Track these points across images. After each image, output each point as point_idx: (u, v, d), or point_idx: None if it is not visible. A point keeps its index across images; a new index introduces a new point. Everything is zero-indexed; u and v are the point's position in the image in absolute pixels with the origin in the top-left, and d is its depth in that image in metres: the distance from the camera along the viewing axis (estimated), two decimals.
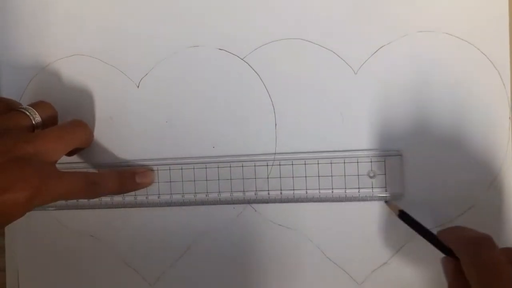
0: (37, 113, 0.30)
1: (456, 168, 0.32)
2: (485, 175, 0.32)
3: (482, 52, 0.32)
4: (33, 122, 0.30)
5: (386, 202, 0.32)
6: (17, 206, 0.25)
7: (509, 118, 0.32)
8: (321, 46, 0.33)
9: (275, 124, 0.33)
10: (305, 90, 0.33)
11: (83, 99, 0.35)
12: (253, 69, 0.33)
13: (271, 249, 0.34)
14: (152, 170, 0.34)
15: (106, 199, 0.34)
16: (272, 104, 0.33)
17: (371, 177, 0.32)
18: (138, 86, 0.34)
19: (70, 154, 0.34)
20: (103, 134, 0.35)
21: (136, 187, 0.33)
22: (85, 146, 0.34)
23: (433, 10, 0.32)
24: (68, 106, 0.35)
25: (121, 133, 0.35)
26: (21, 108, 0.30)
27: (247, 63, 0.33)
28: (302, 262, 0.33)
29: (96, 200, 0.34)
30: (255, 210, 0.34)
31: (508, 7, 0.31)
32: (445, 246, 0.28)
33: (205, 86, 0.34)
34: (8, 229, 0.36)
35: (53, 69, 0.35)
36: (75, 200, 0.35)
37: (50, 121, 0.32)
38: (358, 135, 0.33)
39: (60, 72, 0.35)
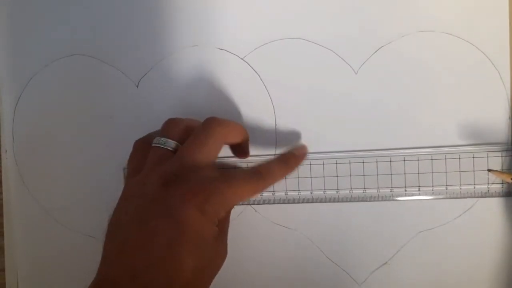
0: (168, 139, 0.29)
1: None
2: (484, 176, 0.32)
3: (482, 52, 0.32)
4: (171, 150, 0.28)
5: (490, 170, 0.31)
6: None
7: (509, 118, 0.32)
8: (321, 46, 0.33)
9: (275, 124, 0.33)
10: (305, 90, 0.33)
11: (82, 99, 0.35)
12: (253, 69, 0.33)
13: (271, 249, 0.34)
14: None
15: None
16: (272, 104, 0.33)
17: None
18: (137, 86, 0.34)
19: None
20: (102, 134, 0.35)
21: (298, 160, 0.31)
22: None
23: (433, 10, 0.32)
24: (68, 106, 0.35)
25: (120, 133, 0.35)
26: (155, 144, 0.29)
27: (247, 63, 0.33)
28: (302, 262, 0.34)
29: None
30: (255, 210, 0.34)
31: (508, 7, 0.31)
32: None
33: (205, 86, 0.34)
34: (8, 229, 0.36)
35: (53, 69, 0.35)
36: (75, 201, 0.35)
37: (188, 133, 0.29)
38: (359, 135, 0.33)
39: (60, 72, 0.35)
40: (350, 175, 0.33)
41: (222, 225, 0.28)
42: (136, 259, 0.24)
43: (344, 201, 0.33)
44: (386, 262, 0.33)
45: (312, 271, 0.34)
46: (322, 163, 0.33)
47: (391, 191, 0.32)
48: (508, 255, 0.32)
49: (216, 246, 0.27)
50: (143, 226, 0.25)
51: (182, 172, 0.27)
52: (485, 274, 0.32)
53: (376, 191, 0.32)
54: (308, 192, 0.33)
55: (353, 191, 0.33)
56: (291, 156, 0.31)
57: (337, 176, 0.33)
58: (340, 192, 0.33)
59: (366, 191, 0.33)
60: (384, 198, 0.32)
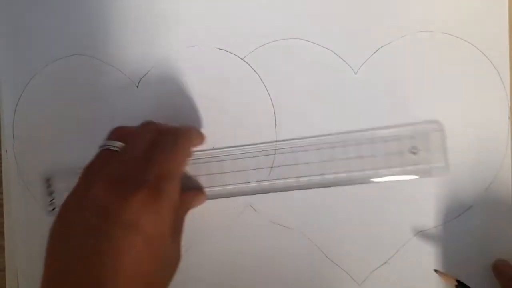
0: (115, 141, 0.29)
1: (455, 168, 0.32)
2: (484, 176, 0.32)
3: (482, 52, 0.32)
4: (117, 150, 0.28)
5: (436, 271, 0.31)
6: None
7: (509, 118, 0.32)
8: (321, 46, 0.33)
9: (275, 125, 0.33)
10: (305, 90, 0.33)
11: (82, 99, 0.35)
12: (253, 69, 0.33)
13: (271, 249, 0.34)
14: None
15: None
16: (272, 104, 0.33)
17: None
18: (137, 86, 0.34)
19: None
20: (102, 134, 0.35)
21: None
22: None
23: (433, 10, 0.32)
24: (68, 106, 0.35)
25: None
26: (105, 145, 0.29)
27: (247, 63, 0.33)
28: (302, 262, 0.34)
29: None
30: (255, 211, 0.34)
31: (508, 7, 0.32)
32: None
33: (205, 86, 0.34)
34: (8, 229, 0.36)
35: (53, 69, 0.35)
36: None
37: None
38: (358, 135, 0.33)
39: (60, 72, 0.35)
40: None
41: (178, 226, 0.29)
42: (102, 269, 0.24)
43: (344, 202, 0.33)
44: (386, 262, 0.33)
45: (312, 271, 0.34)
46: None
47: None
48: (508, 254, 0.32)
49: (173, 248, 0.27)
50: (103, 237, 0.24)
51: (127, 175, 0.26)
52: (486, 273, 0.32)
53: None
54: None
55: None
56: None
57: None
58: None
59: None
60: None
